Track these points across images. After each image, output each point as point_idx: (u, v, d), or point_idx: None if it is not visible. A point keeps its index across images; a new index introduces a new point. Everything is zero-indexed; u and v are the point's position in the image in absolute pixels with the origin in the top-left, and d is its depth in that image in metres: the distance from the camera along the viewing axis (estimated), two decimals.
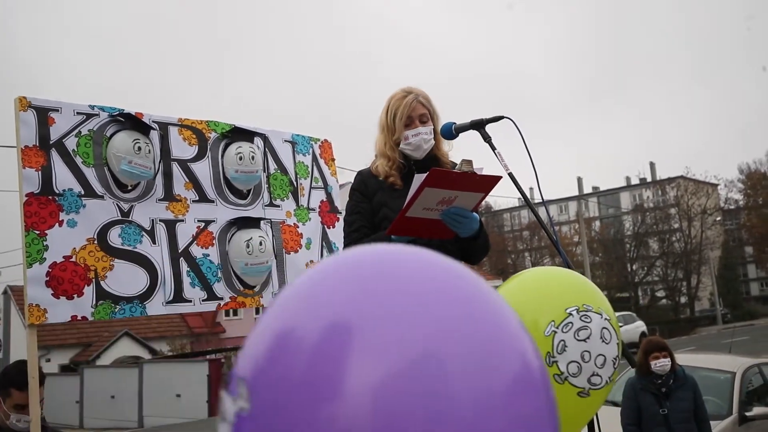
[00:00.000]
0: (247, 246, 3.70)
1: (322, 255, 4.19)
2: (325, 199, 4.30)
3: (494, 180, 2.23)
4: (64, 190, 3.21)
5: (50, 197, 3.16)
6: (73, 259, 3.18)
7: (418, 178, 2.14)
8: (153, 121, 3.59)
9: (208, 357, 24.35)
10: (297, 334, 0.86)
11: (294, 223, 4.10)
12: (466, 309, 0.89)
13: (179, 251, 3.55)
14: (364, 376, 0.79)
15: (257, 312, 29.77)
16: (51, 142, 3.22)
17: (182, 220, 3.61)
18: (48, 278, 3.08)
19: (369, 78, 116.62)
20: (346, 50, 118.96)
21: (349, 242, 2.58)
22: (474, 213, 2.34)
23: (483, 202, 2.38)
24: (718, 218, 53.28)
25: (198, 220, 3.66)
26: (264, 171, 3.98)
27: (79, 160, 3.30)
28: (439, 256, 0.98)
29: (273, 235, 3.95)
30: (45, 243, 3.11)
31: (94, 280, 3.22)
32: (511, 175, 2.30)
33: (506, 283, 2.30)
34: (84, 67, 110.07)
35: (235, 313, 34.09)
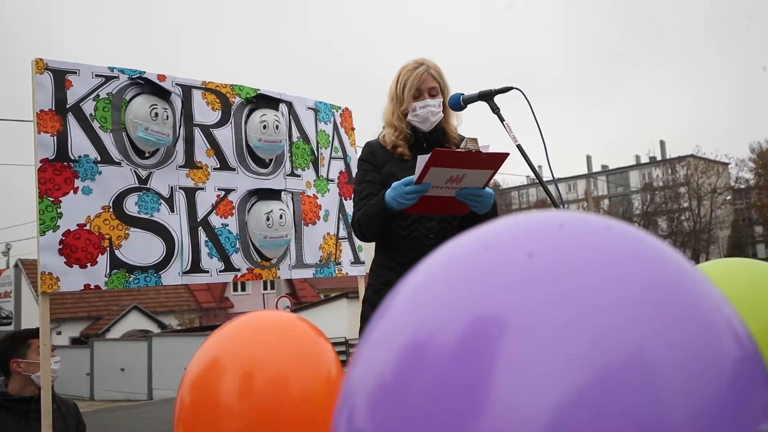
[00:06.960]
0: (267, 219, 3.62)
1: (338, 227, 4.11)
2: (344, 170, 4.20)
3: (501, 157, 2.18)
4: (79, 156, 3.13)
5: (65, 163, 3.09)
6: (87, 227, 3.11)
7: (422, 159, 2.11)
8: (176, 84, 3.50)
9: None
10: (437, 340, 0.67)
11: (313, 194, 4.01)
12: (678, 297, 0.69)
13: (198, 220, 3.48)
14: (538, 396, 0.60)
15: (265, 287, 29.89)
16: (68, 106, 3.13)
17: (202, 188, 3.52)
18: (61, 246, 3.03)
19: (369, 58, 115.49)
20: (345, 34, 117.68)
21: (357, 210, 2.54)
22: (488, 189, 2.32)
23: (492, 180, 2.32)
24: (728, 197, 52.88)
25: (218, 189, 3.58)
26: (287, 139, 3.89)
27: (96, 125, 3.21)
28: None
29: (293, 207, 3.87)
30: (59, 210, 3.04)
31: (108, 248, 3.16)
32: (519, 147, 2.24)
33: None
34: (80, 43, 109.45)
35: (243, 288, 34.24)
